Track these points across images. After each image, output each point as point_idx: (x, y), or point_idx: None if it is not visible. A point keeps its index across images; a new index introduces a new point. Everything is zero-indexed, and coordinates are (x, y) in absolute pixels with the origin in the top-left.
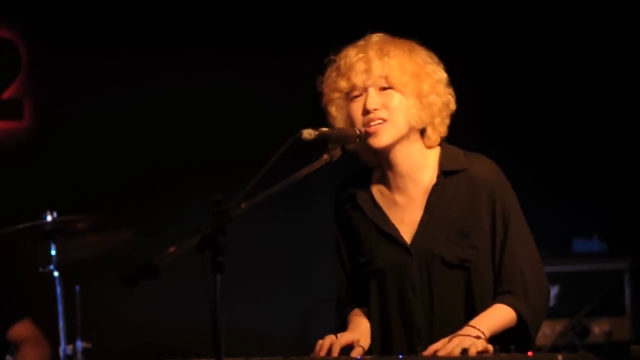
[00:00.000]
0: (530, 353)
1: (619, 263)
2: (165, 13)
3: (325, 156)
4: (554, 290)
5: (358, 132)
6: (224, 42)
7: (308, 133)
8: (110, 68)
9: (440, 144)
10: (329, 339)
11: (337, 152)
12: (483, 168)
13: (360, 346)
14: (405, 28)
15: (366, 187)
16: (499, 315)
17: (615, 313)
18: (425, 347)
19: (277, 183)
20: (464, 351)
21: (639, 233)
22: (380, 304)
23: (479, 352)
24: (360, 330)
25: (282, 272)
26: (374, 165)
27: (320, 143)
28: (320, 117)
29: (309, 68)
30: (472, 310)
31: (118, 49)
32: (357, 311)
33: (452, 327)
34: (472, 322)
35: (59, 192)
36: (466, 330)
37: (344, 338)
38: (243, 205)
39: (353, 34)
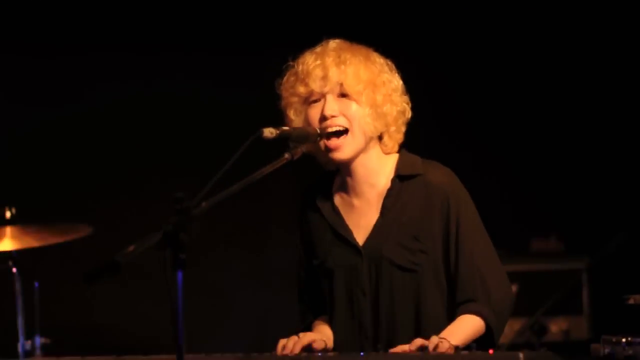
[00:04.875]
0: (491, 351)
1: (576, 263)
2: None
3: (286, 155)
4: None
5: (318, 132)
6: (175, 42)
7: (269, 132)
8: (66, 67)
9: (399, 151)
10: (292, 339)
11: (298, 151)
12: (438, 175)
13: (323, 341)
14: (367, 30)
15: (327, 191)
16: (467, 327)
17: (573, 312)
18: (384, 347)
19: (238, 182)
20: (424, 349)
21: (596, 233)
22: (332, 304)
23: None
24: (324, 333)
25: (244, 270)
26: (332, 168)
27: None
28: (278, 116)
29: (266, 66)
30: (418, 313)
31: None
32: (321, 319)
33: (398, 329)
34: (444, 335)
35: (17, 189)
36: (436, 340)
37: (307, 337)
38: (204, 203)
39: (309, 33)
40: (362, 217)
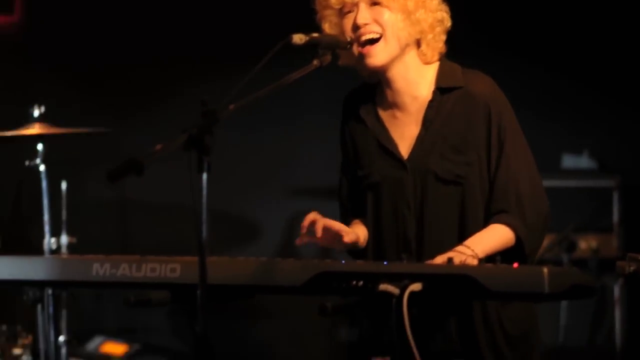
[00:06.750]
0: (515, 265)
1: (607, 180)
2: None
3: (315, 62)
4: None
5: (348, 39)
6: None
7: (298, 38)
8: None
9: (439, 60)
10: (313, 213)
11: (327, 58)
12: (480, 85)
13: (355, 234)
14: None
15: (370, 101)
16: (495, 236)
17: (603, 230)
18: (410, 258)
19: (266, 86)
20: (449, 260)
21: (628, 151)
22: (376, 218)
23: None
24: (355, 231)
25: (272, 172)
26: (374, 81)
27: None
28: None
29: None
30: (463, 226)
31: None
32: (357, 221)
33: (442, 243)
34: (467, 242)
35: (47, 87)
36: (460, 249)
37: (333, 222)
38: (231, 106)
39: None
40: (404, 129)
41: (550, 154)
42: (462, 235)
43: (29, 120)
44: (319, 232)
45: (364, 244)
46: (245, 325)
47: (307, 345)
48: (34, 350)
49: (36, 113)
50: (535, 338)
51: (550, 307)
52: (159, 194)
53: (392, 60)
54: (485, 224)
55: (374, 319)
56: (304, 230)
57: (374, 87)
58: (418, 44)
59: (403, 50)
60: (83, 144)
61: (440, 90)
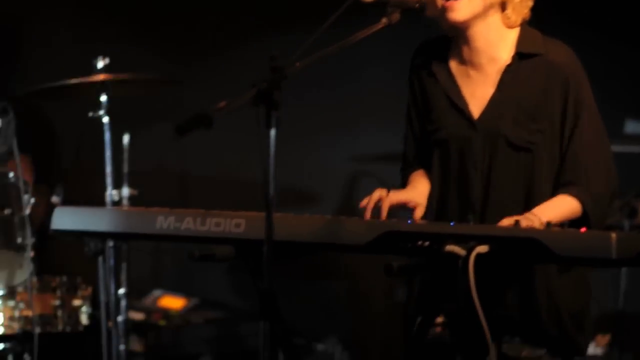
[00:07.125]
0: (583, 229)
1: None
2: None
3: (383, 20)
4: None
5: None
6: None
7: None
8: None
9: (521, 25)
10: (378, 192)
11: (396, 16)
12: (561, 55)
13: (420, 205)
14: None
15: (443, 55)
16: (562, 207)
17: None
18: (477, 220)
19: (333, 44)
20: (516, 223)
21: None
22: (441, 175)
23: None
24: (417, 190)
25: (331, 130)
26: (453, 36)
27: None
28: None
29: None
30: (528, 193)
31: None
32: (420, 171)
33: (505, 206)
34: (535, 211)
35: (111, 40)
36: (527, 216)
37: (396, 196)
38: (297, 64)
39: None
40: (477, 88)
41: (613, 119)
42: (528, 202)
43: (93, 71)
44: (384, 214)
45: (424, 201)
46: (304, 283)
47: (365, 304)
48: (93, 302)
49: (100, 64)
50: (589, 308)
51: (611, 273)
52: (222, 148)
53: (474, 18)
54: (553, 193)
55: (428, 280)
56: (368, 214)
57: (448, 42)
58: (503, 7)
59: (487, 10)
60: (146, 97)
61: (520, 55)
